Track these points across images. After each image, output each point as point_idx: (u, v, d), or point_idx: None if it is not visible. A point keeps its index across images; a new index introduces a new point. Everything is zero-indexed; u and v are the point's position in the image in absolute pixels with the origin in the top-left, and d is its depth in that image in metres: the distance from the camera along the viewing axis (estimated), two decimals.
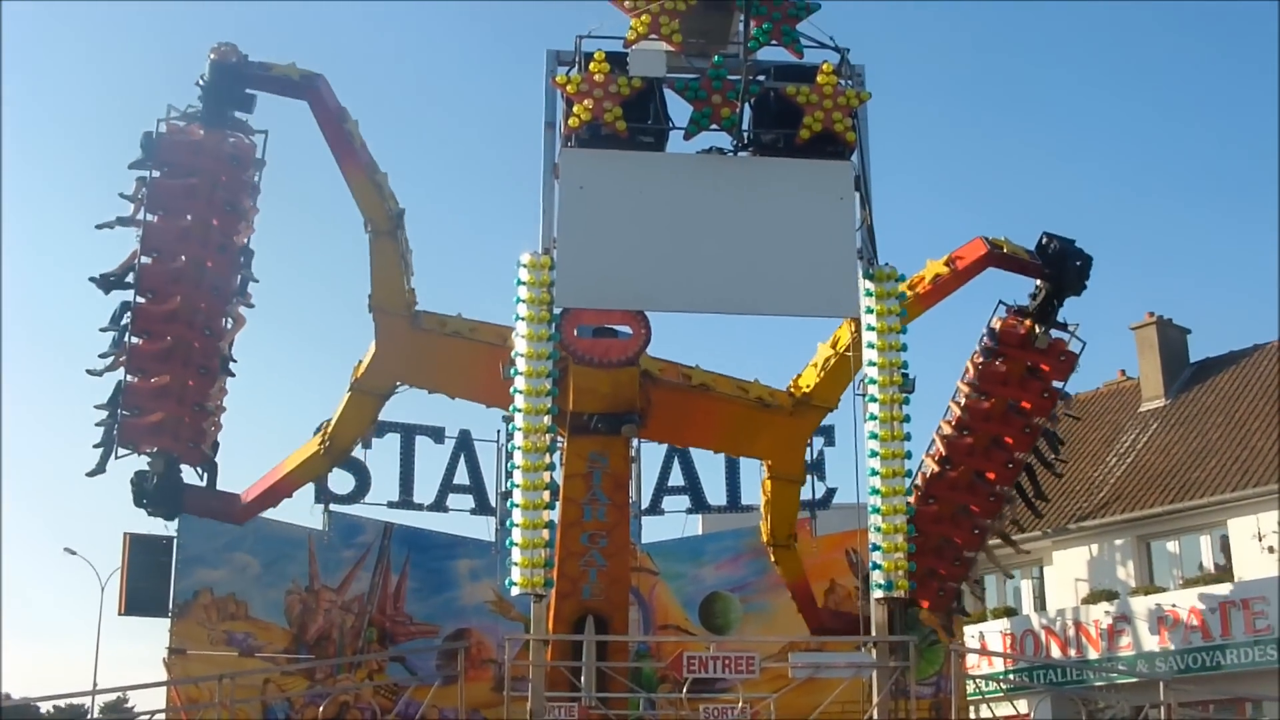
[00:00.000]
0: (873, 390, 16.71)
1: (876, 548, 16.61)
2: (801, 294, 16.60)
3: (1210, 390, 33.46)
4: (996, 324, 20.50)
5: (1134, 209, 67.36)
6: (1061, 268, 20.09)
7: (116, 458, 19.70)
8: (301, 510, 27.14)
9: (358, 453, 28.11)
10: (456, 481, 28.77)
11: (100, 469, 19.72)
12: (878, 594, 16.66)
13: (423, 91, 75.35)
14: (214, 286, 19.37)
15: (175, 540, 27.80)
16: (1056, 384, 21.04)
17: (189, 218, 19.00)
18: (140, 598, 27.14)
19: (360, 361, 20.84)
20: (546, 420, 16.28)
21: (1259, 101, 65.18)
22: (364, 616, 27.92)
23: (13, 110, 67.91)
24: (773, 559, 22.91)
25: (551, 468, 16.42)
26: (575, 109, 16.59)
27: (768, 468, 21.72)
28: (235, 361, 20.16)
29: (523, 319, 16.38)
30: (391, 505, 28.77)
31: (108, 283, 19.05)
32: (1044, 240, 20.09)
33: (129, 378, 19.30)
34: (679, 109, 16.98)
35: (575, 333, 17.54)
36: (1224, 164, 67.05)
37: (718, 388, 20.25)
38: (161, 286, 19.05)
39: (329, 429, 21.66)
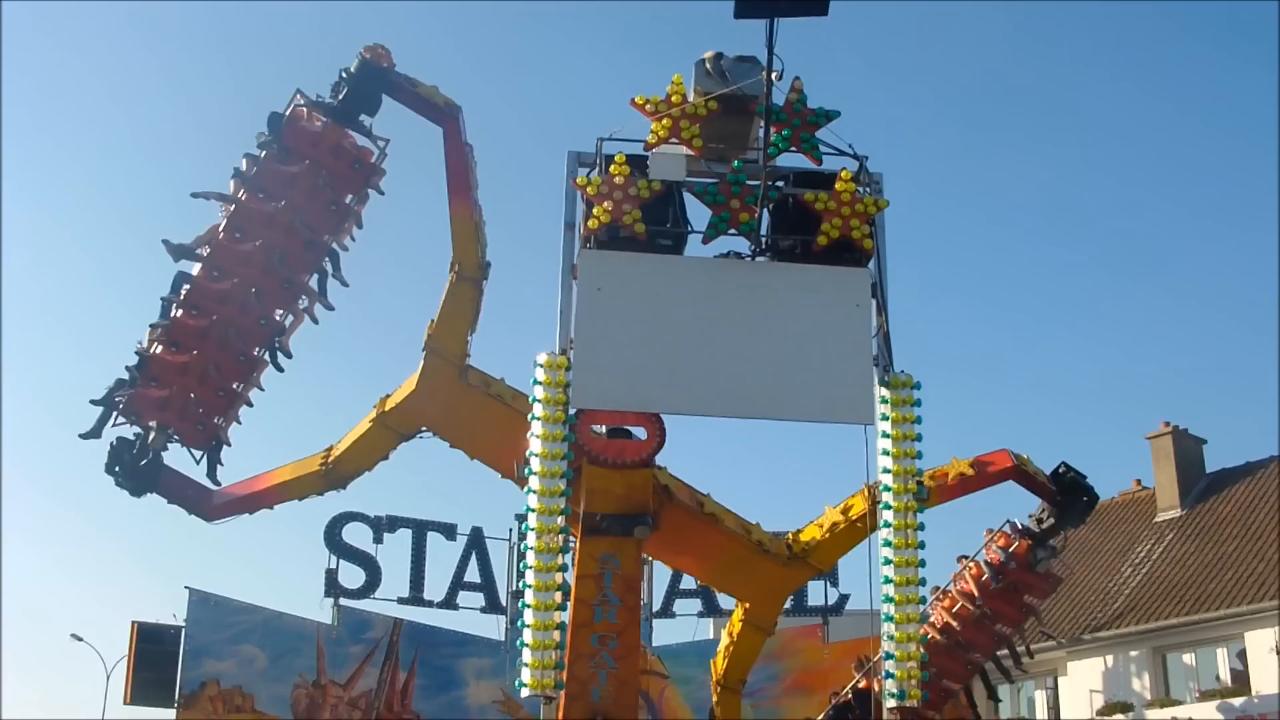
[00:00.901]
0: (887, 497, 16.65)
1: (890, 656, 16.47)
2: (817, 400, 16.57)
3: (1226, 501, 33.35)
4: (1005, 543, 22.75)
5: (1152, 317, 67.44)
6: (1071, 500, 21.82)
7: (114, 425, 19.35)
8: (311, 604, 27.11)
9: (369, 547, 28.17)
10: (467, 579, 28.79)
11: (95, 434, 19.40)
12: (890, 703, 16.49)
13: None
14: (286, 278, 18.96)
15: (184, 630, 27.72)
16: (1034, 601, 23.74)
17: (282, 204, 18.62)
18: (146, 687, 27.09)
19: (390, 395, 20.39)
20: (560, 520, 16.23)
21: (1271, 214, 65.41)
22: (371, 713, 27.75)
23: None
24: (715, 699, 22.81)
25: (564, 568, 16.33)
26: (595, 210, 16.67)
27: (744, 610, 21.62)
28: (289, 357, 19.54)
29: (538, 419, 16.37)
30: (402, 601, 28.77)
31: (179, 251, 18.78)
32: (1061, 469, 21.70)
33: (157, 348, 18.98)
34: (698, 213, 17.06)
35: (590, 433, 17.51)
36: (1242, 276, 67.16)
37: (725, 521, 20.19)
38: (229, 266, 18.70)
39: (334, 452, 21.14)
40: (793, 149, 17.45)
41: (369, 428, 20.66)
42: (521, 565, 16.37)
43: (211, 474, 20.04)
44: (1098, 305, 68.44)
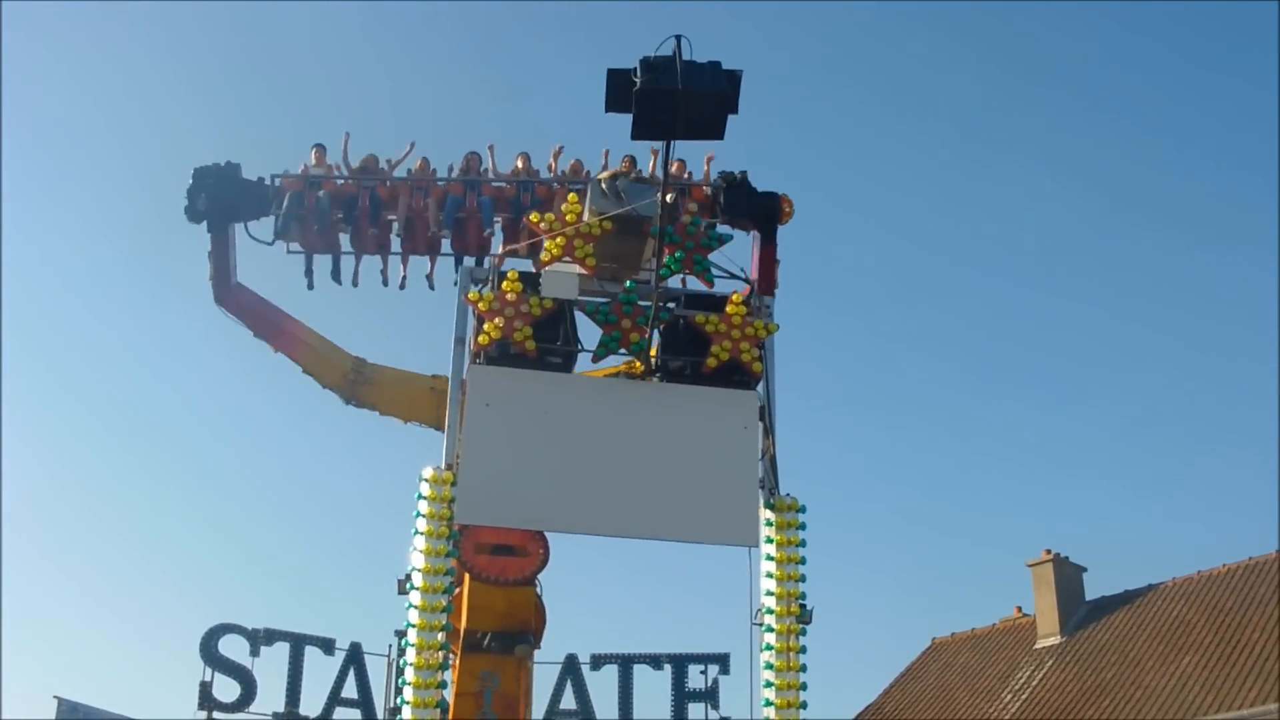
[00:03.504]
0: (769, 620, 16.61)
1: None
2: (702, 521, 16.58)
3: (1105, 628, 33.78)
4: None
5: (1032, 447, 68.47)
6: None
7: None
8: (183, 716, 26.44)
9: (245, 660, 27.67)
10: (345, 694, 28.18)
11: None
12: None
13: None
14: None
15: None
16: None
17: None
18: None
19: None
20: (440, 637, 16.02)
21: (1138, 363, 66.97)
22: None
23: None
24: None
25: (443, 685, 16.10)
26: (485, 326, 16.67)
27: None
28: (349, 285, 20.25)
29: (421, 534, 16.20)
30: (277, 716, 28.05)
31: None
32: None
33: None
34: (589, 331, 17.15)
35: (474, 550, 17.40)
36: (1125, 401, 68.52)
37: None
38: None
39: (371, 374, 20.88)
40: (685, 271, 17.66)
41: (419, 382, 20.86)
42: (400, 682, 16.11)
43: (308, 281, 20.22)
44: (983, 431, 69.44)
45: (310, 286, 20.23)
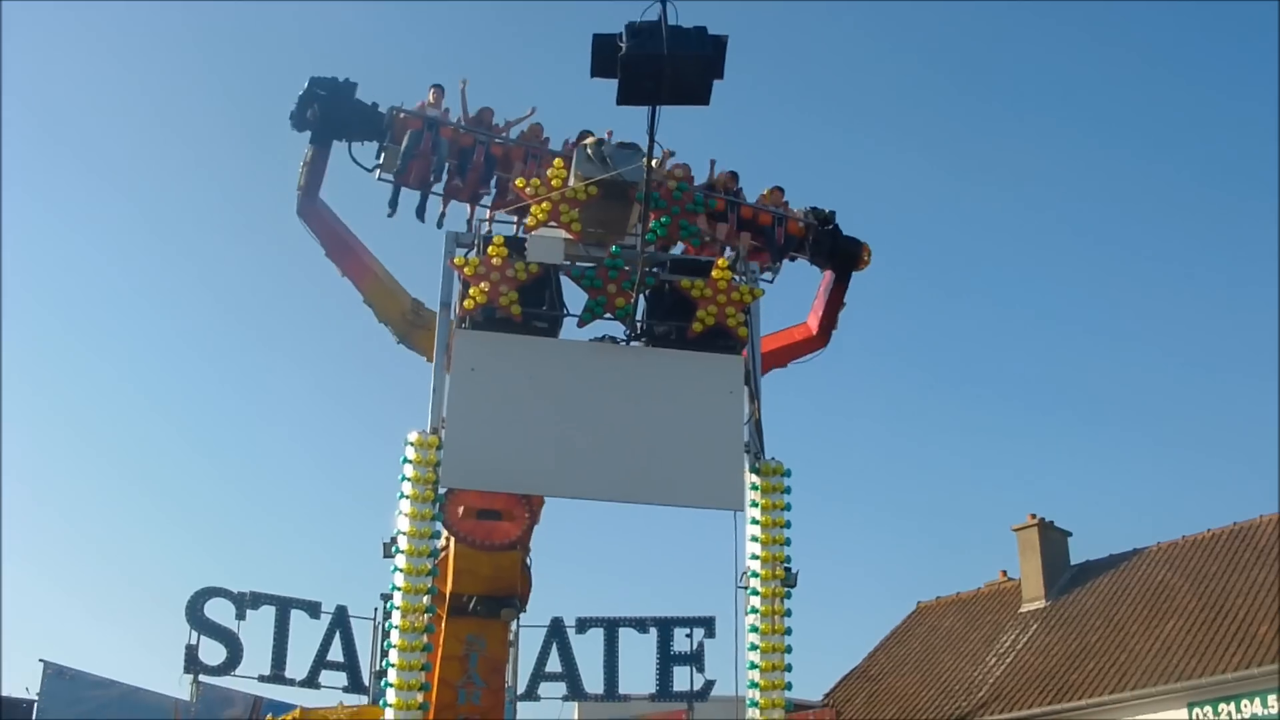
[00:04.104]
0: (754, 583, 16.66)
1: None
2: (687, 485, 16.60)
3: (1090, 593, 33.92)
4: None
5: (1019, 412, 68.64)
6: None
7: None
8: (169, 680, 26.55)
9: (231, 623, 27.73)
10: (330, 658, 28.33)
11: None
12: None
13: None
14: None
15: (36, 704, 27.05)
16: None
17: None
18: None
19: None
20: (426, 600, 16.04)
21: (1133, 317, 67.10)
22: None
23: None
24: None
25: (428, 648, 16.15)
26: (471, 291, 16.65)
27: None
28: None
29: (407, 497, 16.21)
30: (263, 679, 28.23)
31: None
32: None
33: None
34: (575, 296, 17.14)
35: (459, 514, 17.39)
36: (1110, 369, 68.67)
37: None
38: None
39: (427, 316, 20.01)
40: (671, 236, 17.62)
41: None
42: (385, 645, 16.15)
43: (392, 205, 19.81)
44: (969, 397, 69.60)
45: (392, 214, 19.88)
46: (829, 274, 20.58)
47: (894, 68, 74.10)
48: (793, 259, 20.09)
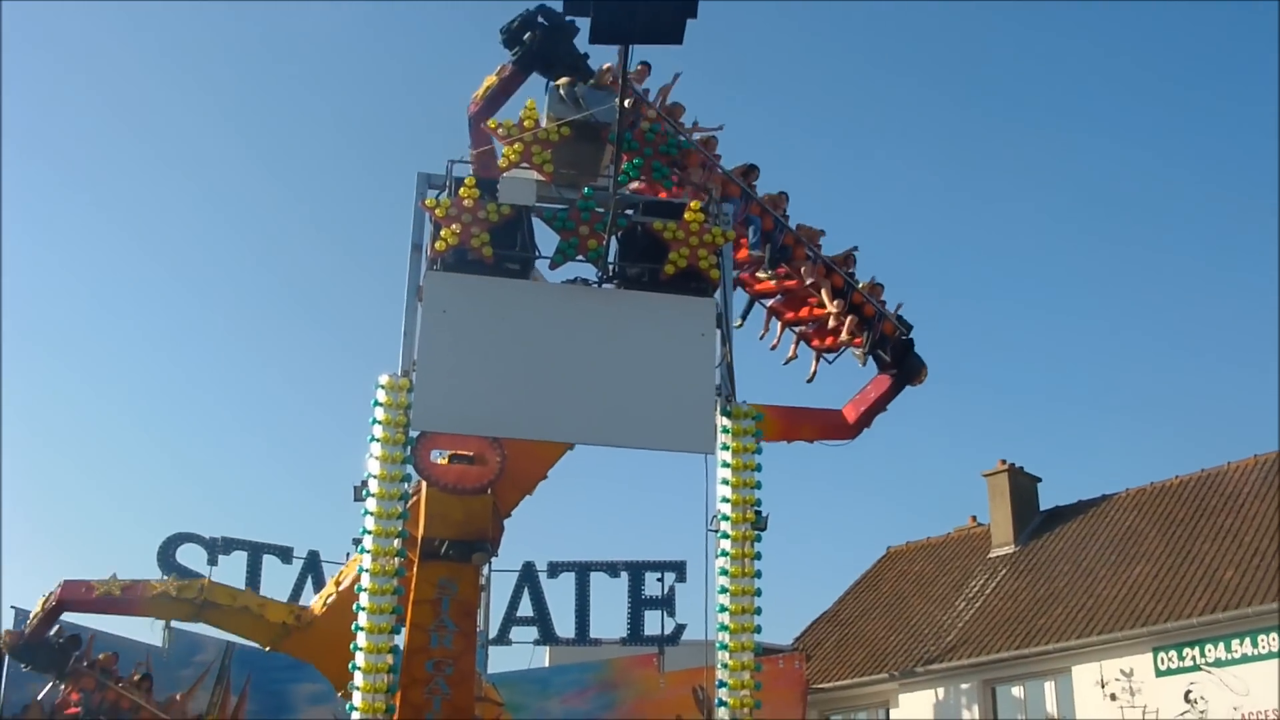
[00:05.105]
0: (725, 527, 16.66)
1: (723, 684, 16.49)
2: (658, 428, 16.58)
3: (1058, 538, 34.13)
4: None
5: (989, 358, 68.86)
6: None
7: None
8: (140, 625, 26.47)
9: (203, 569, 27.64)
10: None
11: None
12: None
13: (294, 203, 75.05)
14: None
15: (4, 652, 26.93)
16: None
17: None
18: None
19: None
20: (396, 544, 16.03)
21: (1099, 247, 67.27)
22: None
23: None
24: None
25: (399, 592, 16.13)
26: (442, 233, 16.55)
27: None
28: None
29: (378, 440, 16.16)
30: None
31: None
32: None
33: None
34: (547, 238, 17.06)
35: (431, 457, 17.36)
36: (1078, 316, 68.90)
37: None
38: None
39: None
40: (643, 178, 17.54)
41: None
42: (357, 589, 16.13)
43: None
44: (939, 341, 69.71)
45: None
46: (888, 379, 21.09)
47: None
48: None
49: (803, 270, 19.98)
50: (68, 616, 24.75)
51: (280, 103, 73.69)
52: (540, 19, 18.64)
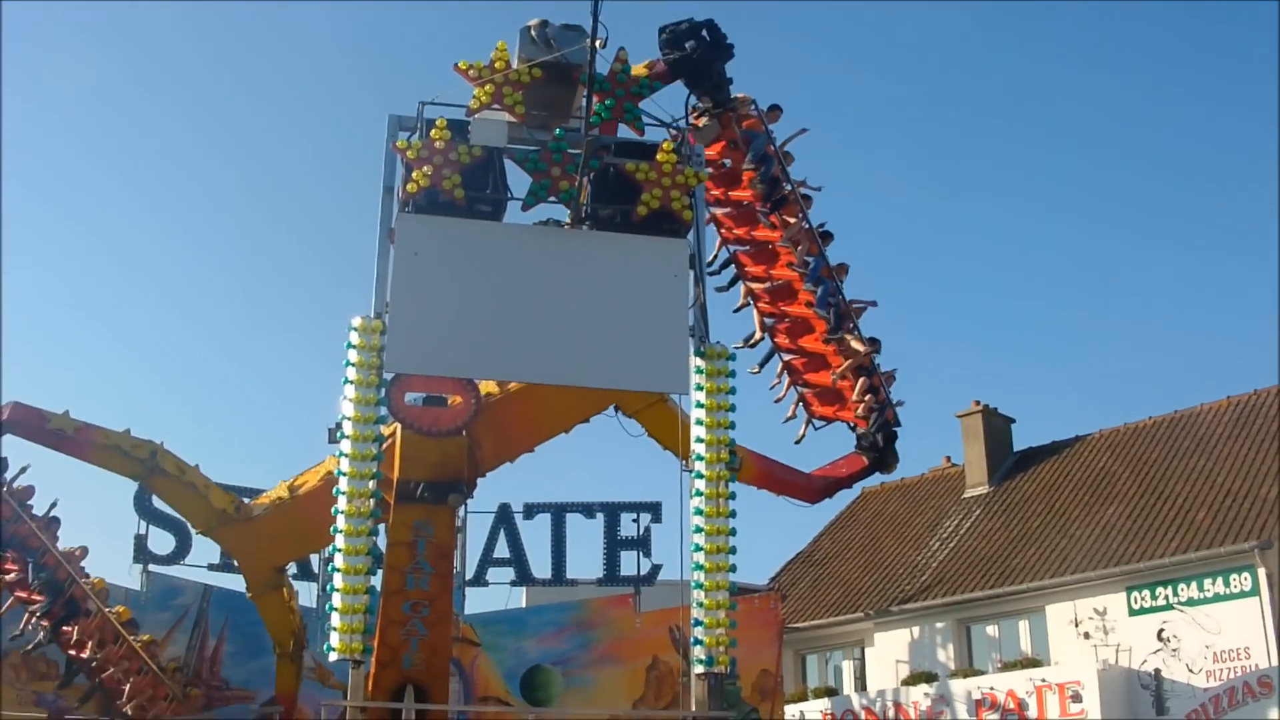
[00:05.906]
0: (699, 467, 16.75)
1: (699, 623, 16.62)
2: (632, 368, 16.67)
3: (1032, 479, 34.29)
4: None
5: (962, 299, 68.97)
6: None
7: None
8: (119, 569, 26.47)
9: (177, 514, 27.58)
10: None
11: None
12: (699, 669, 16.64)
13: (263, 149, 74.58)
14: None
15: None
16: None
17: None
18: None
19: None
20: (371, 485, 16.09)
21: (1074, 182, 67.35)
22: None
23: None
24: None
25: (375, 533, 16.18)
26: (414, 174, 16.53)
27: None
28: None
29: (351, 383, 16.17)
30: (212, 568, 28.18)
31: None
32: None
33: None
34: (519, 180, 17.03)
35: (405, 399, 17.34)
36: (1052, 257, 69.02)
37: None
38: None
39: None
40: (615, 118, 17.50)
41: None
42: (332, 530, 16.18)
43: None
44: (914, 281, 69.85)
45: None
46: (863, 461, 22.66)
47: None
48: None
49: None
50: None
51: (259, 39, 73.10)
52: (706, 33, 19.40)
